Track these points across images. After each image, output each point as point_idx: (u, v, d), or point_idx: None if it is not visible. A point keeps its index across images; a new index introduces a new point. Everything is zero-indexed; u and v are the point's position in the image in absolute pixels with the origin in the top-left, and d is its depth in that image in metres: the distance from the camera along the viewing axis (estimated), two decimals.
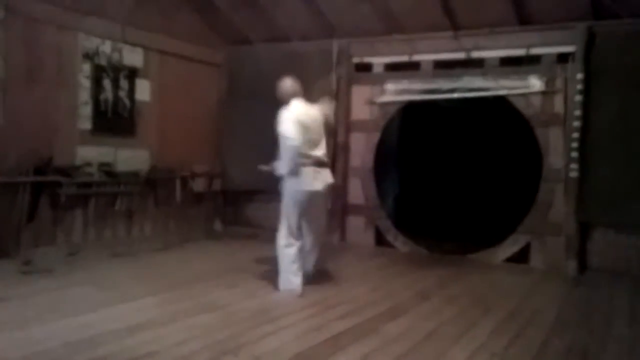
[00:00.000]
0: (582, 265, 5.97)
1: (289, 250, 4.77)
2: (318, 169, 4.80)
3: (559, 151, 6.09)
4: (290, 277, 4.75)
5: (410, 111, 7.52)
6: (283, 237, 4.80)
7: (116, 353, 3.17)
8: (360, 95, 7.29)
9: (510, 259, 6.36)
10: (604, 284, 5.47)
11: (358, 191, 7.35)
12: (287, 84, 4.92)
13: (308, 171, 4.71)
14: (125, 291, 4.53)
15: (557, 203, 6.11)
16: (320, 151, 4.87)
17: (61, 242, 6.06)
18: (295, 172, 4.66)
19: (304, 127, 4.69)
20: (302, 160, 4.67)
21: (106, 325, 3.65)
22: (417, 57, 6.94)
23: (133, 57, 6.83)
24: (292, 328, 3.79)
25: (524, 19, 6.23)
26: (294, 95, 4.88)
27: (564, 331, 3.93)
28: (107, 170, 6.49)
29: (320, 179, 4.81)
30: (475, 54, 6.56)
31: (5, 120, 5.41)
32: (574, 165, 5.92)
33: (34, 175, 5.67)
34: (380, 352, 3.38)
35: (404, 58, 7.01)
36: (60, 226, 6.06)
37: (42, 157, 5.80)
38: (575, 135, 5.90)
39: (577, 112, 5.89)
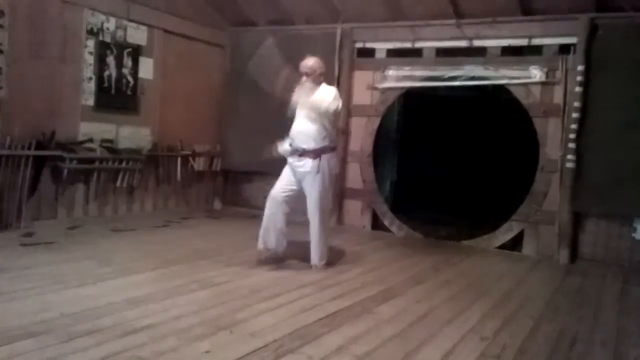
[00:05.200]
0: (574, 254, 6.04)
1: None
2: None
3: (556, 142, 6.14)
4: None
5: (410, 98, 7.55)
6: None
7: (115, 325, 3.23)
8: (361, 80, 7.32)
9: (503, 246, 6.45)
10: (595, 273, 5.55)
11: (356, 175, 7.41)
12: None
13: None
14: (124, 266, 4.60)
15: (552, 193, 6.18)
16: None
17: (62, 216, 6.14)
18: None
19: None
20: None
21: (105, 298, 3.71)
22: (419, 44, 6.96)
23: (137, 35, 6.85)
24: (287, 306, 3.85)
25: (527, 9, 6.25)
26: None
27: (554, 317, 4.00)
28: (109, 146, 6.54)
29: None
30: (478, 43, 6.58)
31: (9, 94, 5.44)
32: (570, 156, 5.96)
33: (37, 149, 5.73)
34: (373, 332, 3.44)
35: (406, 44, 7.04)
36: (61, 200, 6.13)
37: (45, 132, 5.85)
38: (574, 126, 5.94)
39: (577, 104, 5.92)
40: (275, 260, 4.96)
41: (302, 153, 4.79)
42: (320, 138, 4.75)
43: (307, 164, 4.77)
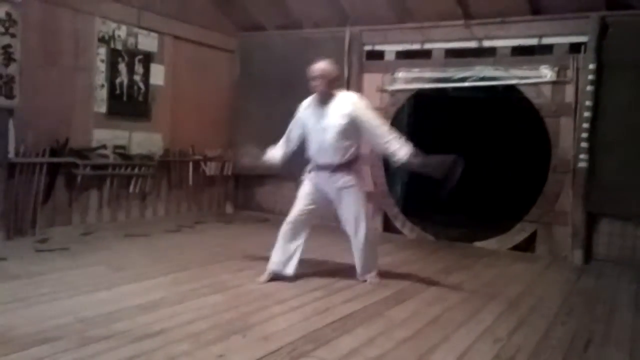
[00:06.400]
0: (588, 255, 5.99)
1: None
2: None
3: (568, 141, 6.10)
4: None
5: (420, 99, 7.54)
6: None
7: (130, 329, 3.25)
8: (371, 82, 7.31)
9: (516, 248, 6.41)
10: (609, 274, 5.50)
11: (367, 178, 7.38)
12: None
13: None
14: (138, 271, 4.63)
15: (564, 193, 6.13)
16: None
17: (76, 222, 6.19)
18: None
19: None
20: None
21: (120, 303, 3.73)
22: (428, 46, 6.94)
23: (148, 41, 6.90)
24: (299, 310, 3.85)
25: (536, 8, 6.22)
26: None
27: (568, 318, 3.97)
28: (122, 152, 6.60)
29: None
30: (487, 43, 6.55)
31: (23, 102, 5.50)
32: (583, 156, 5.91)
33: (51, 156, 5.79)
34: (385, 335, 3.44)
35: (415, 46, 7.03)
36: (75, 206, 6.19)
37: (59, 139, 5.91)
38: (586, 125, 5.90)
39: (588, 103, 5.88)
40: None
41: (334, 169, 4.38)
42: (351, 151, 4.36)
43: (342, 179, 4.39)
